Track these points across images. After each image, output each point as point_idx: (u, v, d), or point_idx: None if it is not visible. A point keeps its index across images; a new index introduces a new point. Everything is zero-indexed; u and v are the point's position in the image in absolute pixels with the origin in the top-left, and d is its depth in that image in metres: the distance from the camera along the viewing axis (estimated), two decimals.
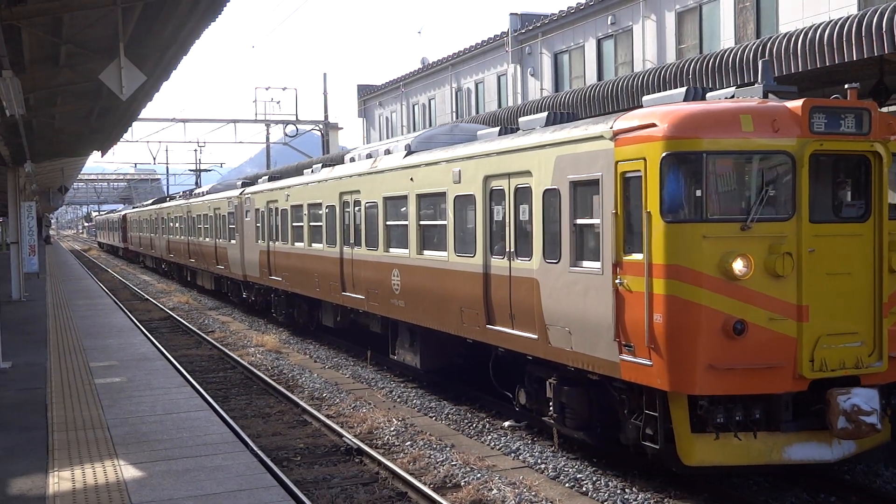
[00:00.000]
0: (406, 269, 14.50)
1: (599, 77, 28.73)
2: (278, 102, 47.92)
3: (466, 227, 12.77)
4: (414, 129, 42.62)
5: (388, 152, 16.07)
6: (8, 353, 15.79)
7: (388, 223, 15.35)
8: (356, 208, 16.88)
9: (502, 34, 34.61)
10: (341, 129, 48.65)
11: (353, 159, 18.24)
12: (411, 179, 14.25)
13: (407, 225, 14.49)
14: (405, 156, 14.87)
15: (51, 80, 15.28)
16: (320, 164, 20.60)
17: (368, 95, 49.40)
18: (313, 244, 19.57)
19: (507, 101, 34.09)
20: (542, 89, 32.30)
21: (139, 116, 23.59)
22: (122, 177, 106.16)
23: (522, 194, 11.20)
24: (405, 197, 14.51)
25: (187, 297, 33.63)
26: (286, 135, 47.02)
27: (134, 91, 12.02)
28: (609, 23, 28.54)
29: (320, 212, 18.99)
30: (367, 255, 16.26)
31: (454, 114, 39.04)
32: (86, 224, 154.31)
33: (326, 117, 47.20)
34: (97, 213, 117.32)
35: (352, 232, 17.11)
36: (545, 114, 11.84)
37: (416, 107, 43.87)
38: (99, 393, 12.73)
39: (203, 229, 32.56)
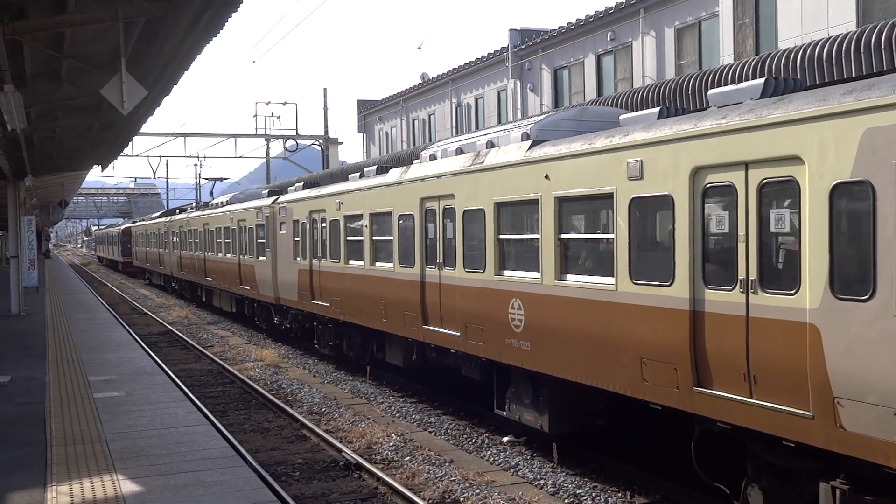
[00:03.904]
0: (534, 301, 10.95)
1: (599, 93, 28.84)
2: (278, 117, 48.03)
3: (653, 243, 9.31)
4: (414, 144, 42.70)
5: (491, 145, 12.50)
6: (7, 368, 15.77)
7: (501, 237, 11.85)
8: (447, 218, 13.42)
9: (502, 50, 34.77)
10: (341, 143, 48.82)
11: (433, 157, 14.45)
12: (546, 177, 10.66)
13: (537, 239, 10.92)
14: (530, 147, 11.26)
15: (52, 95, 15.32)
16: (374, 168, 17.48)
17: (368, 110, 49.57)
18: (378, 263, 16.02)
19: (507, 117, 34.19)
20: (541, 104, 32.40)
21: (140, 131, 23.66)
22: (121, 191, 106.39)
23: (776, 192, 7.73)
24: (535, 202, 10.91)
25: (186, 312, 33.61)
26: (286, 149, 47.12)
27: (135, 106, 12.05)
28: (608, 39, 28.66)
29: (389, 223, 15.45)
30: (465, 278, 12.69)
31: (454, 128, 39.15)
32: (85, 238, 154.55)
33: (326, 132, 47.32)
34: (96, 228, 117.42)
35: (439, 248, 13.59)
36: (757, 81, 8.50)
37: (416, 122, 43.99)
38: (98, 407, 12.70)
39: (224, 244, 28.97)
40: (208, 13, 10.47)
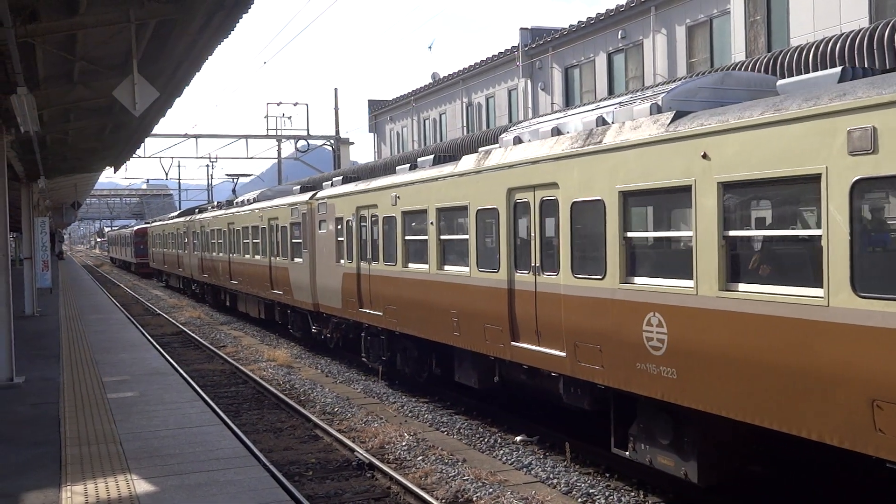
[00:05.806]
0: (684, 316, 8.61)
1: (610, 91, 28.80)
2: (289, 118, 48.16)
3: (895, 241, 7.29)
4: (425, 144, 42.74)
5: (602, 121, 10.44)
6: (21, 368, 15.85)
7: (629, 234, 9.53)
8: (545, 211, 11.12)
9: (513, 49, 34.77)
10: (352, 143, 48.92)
11: (518, 140, 12.19)
12: (704, 157, 8.30)
13: (689, 237, 8.65)
14: (672, 120, 8.99)
15: (64, 97, 15.39)
16: (429, 158, 15.55)
17: (379, 110, 49.64)
18: (447, 266, 13.80)
19: (518, 116, 34.18)
20: (552, 103, 32.37)
21: (152, 132, 23.73)
22: (134, 192, 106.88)
23: None
24: (684, 189, 8.59)
25: (199, 312, 33.72)
26: (297, 150, 47.26)
27: (147, 107, 12.09)
28: (619, 37, 28.61)
29: (464, 220, 13.21)
30: (575, 286, 10.34)
31: (465, 128, 39.15)
32: (98, 239, 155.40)
33: (337, 132, 47.44)
34: (109, 229, 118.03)
35: (535, 249, 11.28)
36: None
37: (426, 121, 44.01)
38: (111, 407, 12.75)
39: (252, 245, 26.84)
40: (220, 14, 10.49)
